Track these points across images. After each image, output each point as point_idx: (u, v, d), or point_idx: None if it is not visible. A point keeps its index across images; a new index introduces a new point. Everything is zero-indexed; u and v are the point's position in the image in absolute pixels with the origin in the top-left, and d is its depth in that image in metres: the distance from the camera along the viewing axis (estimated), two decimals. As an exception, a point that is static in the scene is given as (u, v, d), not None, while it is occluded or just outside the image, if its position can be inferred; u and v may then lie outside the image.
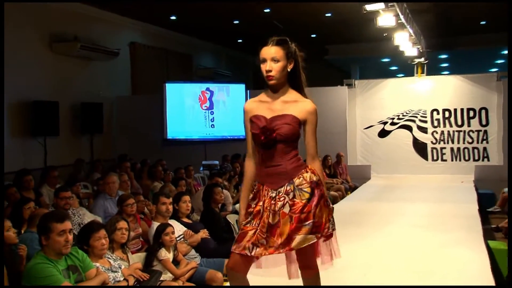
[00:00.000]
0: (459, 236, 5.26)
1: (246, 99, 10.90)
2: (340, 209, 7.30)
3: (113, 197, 5.49)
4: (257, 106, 2.61)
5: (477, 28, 12.61)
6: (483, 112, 10.48)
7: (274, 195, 2.53)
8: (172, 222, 4.54)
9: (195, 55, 14.05)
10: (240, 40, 14.47)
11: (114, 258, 3.70)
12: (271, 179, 2.55)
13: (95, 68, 10.44)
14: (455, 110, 10.62)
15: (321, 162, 9.73)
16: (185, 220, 4.89)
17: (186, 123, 11.04)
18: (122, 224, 3.89)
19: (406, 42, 9.61)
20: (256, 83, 16.39)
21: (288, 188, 2.52)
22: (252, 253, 2.46)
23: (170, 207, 4.64)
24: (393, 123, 11.02)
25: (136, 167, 8.50)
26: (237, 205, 6.47)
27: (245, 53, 16.17)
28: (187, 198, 4.92)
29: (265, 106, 2.59)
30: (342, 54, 14.99)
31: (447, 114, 10.69)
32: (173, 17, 11.42)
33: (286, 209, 2.48)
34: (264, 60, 2.59)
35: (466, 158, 10.54)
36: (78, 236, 3.59)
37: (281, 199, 2.51)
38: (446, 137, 10.65)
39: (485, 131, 10.44)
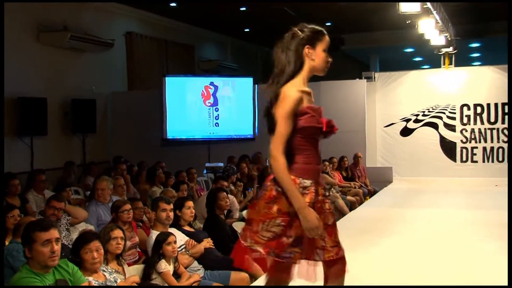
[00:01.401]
0: (493, 247, 5.22)
1: (254, 95, 11.13)
2: (358, 216, 7.32)
3: (106, 203, 5.50)
4: (303, 96, 2.65)
5: (512, 13, 12.51)
6: (519, 107, 10.46)
7: (327, 194, 2.77)
8: (173, 230, 4.54)
9: (198, 46, 14.09)
10: (248, 30, 14.48)
11: (110, 271, 3.70)
12: (321, 178, 2.72)
13: (87, 61, 10.49)
14: (488, 105, 10.58)
15: (337, 163, 9.98)
16: (187, 228, 4.90)
17: (188, 122, 11.08)
18: (117, 232, 3.88)
19: (432, 30, 9.53)
20: (266, 76, 16.59)
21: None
22: (322, 259, 2.62)
23: (171, 214, 4.64)
24: (417, 120, 11.01)
25: (133, 170, 8.53)
26: (244, 212, 6.49)
27: (253, 44, 16.20)
28: (190, 203, 4.94)
29: (307, 98, 2.67)
30: (360, 44, 14.94)
31: (478, 109, 10.66)
32: (173, 4, 11.45)
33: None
34: (326, 50, 2.76)
35: (500, 159, 10.49)
36: (71, 248, 3.58)
37: (328, 199, 2.74)
38: (477, 136, 10.63)
39: (521, 129, 10.42)
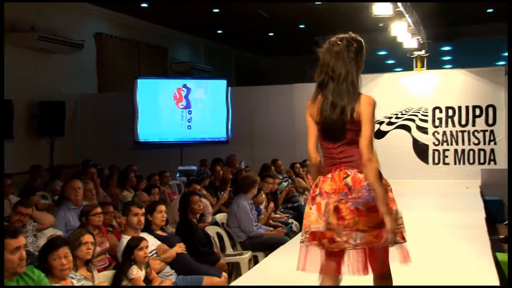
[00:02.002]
0: (464, 248, 5.27)
1: (227, 97, 11.18)
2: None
3: (78, 207, 5.41)
4: None
5: (483, 17, 12.70)
6: (490, 110, 10.58)
7: None
8: (145, 235, 4.50)
9: (170, 47, 14.04)
10: (221, 31, 14.48)
11: (78, 277, 3.64)
12: None
13: (56, 62, 10.36)
14: (459, 108, 10.72)
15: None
16: (159, 232, 4.87)
17: (160, 124, 11.05)
18: (88, 237, 3.85)
19: (404, 33, 9.65)
20: (239, 79, 16.54)
21: None
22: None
23: (143, 218, 4.63)
24: (390, 123, 11.03)
25: (103, 173, 8.44)
26: (218, 215, 6.53)
27: (227, 45, 16.20)
28: (162, 207, 4.91)
29: None
30: (334, 47, 15.04)
31: (450, 112, 10.79)
32: (144, 5, 11.37)
33: None
34: None
35: (471, 161, 10.63)
36: (38, 253, 3.56)
37: None
38: (449, 138, 10.76)
39: (492, 131, 10.54)
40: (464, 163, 10.67)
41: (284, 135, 11.04)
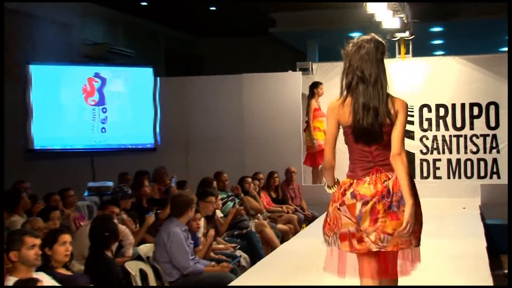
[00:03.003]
0: (460, 284, 5.38)
1: (155, 91, 11.20)
2: (292, 249, 7.34)
3: None
4: None
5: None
6: (491, 108, 10.83)
7: None
8: (40, 275, 4.40)
9: (78, 24, 13.80)
10: (145, 3, 14.33)
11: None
12: None
13: None
14: (454, 106, 10.86)
15: (265, 181, 10.15)
16: (62, 271, 4.78)
17: (63, 126, 10.93)
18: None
19: (384, 10, 9.73)
20: (171, 67, 16.32)
21: None
22: None
23: (39, 252, 4.52)
24: (365, 126, 11.29)
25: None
26: (141, 247, 6.40)
27: (154, 23, 16.03)
28: (66, 237, 4.84)
29: None
30: (295, 26, 14.90)
31: (442, 111, 10.92)
32: (42, -34, 11.16)
33: None
34: None
35: (468, 174, 10.80)
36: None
37: None
38: (440, 145, 10.90)
39: (494, 136, 10.79)
40: (459, 177, 10.80)
41: (230, 141, 11.08)
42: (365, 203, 3.60)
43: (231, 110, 11.21)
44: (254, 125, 11.01)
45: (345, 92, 3.73)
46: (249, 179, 9.50)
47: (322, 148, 7.38)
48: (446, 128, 10.92)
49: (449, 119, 10.91)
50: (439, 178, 10.99)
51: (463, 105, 10.86)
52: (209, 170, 9.54)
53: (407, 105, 3.75)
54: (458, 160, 10.85)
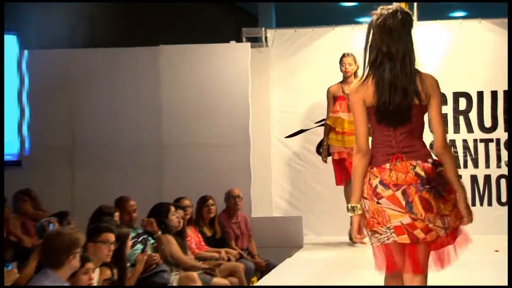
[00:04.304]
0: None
1: (21, 67, 10.06)
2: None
3: None
4: None
5: None
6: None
7: None
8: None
9: None
10: None
11: None
12: None
13: None
14: (480, 95, 9.42)
15: (195, 211, 9.22)
16: None
17: None
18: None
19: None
20: (43, 33, 14.47)
21: None
22: None
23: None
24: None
25: None
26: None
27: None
28: None
29: None
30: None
31: (462, 104, 9.52)
32: None
33: None
34: None
35: (503, 199, 9.29)
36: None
37: None
38: (461, 155, 9.55)
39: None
40: (490, 204, 9.41)
41: (140, 150, 9.77)
42: (404, 192, 3.75)
43: (142, 102, 9.61)
44: (176, 126, 9.87)
45: (367, 70, 3.84)
46: (173, 209, 8.15)
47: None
48: (470, 130, 9.49)
49: (473, 115, 9.41)
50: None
51: (494, 94, 9.29)
52: (108, 194, 8.34)
53: (438, 82, 3.85)
54: (487, 178, 9.41)
